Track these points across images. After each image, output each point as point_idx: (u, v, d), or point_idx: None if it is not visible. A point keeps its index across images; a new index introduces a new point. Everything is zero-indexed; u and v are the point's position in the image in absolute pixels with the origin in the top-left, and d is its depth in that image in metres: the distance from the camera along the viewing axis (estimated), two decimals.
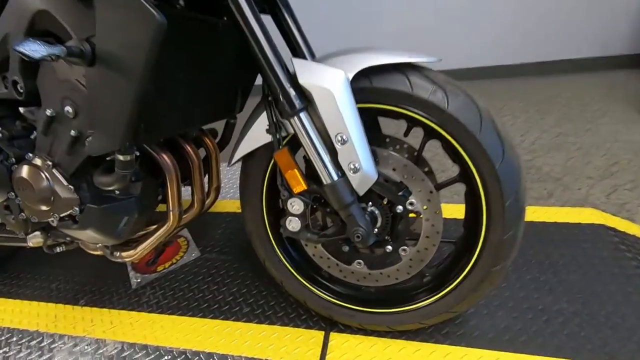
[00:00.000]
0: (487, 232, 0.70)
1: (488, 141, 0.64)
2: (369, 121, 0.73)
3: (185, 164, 0.92)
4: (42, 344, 0.99)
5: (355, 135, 0.63)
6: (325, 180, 0.66)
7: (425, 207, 0.71)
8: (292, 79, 0.64)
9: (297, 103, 0.63)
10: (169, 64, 0.65)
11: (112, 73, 0.57)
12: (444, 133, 0.66)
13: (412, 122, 0.69)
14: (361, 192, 0.67)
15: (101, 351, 0.94)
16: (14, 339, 1.01)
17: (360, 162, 0.64)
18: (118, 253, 0.92)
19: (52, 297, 1.13)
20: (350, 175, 0.66)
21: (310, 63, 0.64)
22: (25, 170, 0.73)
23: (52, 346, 0.98)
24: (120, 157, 0.65)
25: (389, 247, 0.76)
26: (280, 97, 0.64)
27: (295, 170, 0.68)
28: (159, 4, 0.55)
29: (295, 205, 0.72)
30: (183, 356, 0.90)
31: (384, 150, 0.71)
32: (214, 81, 0.80)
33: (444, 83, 0.66)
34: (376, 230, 0.76)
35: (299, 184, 0.69)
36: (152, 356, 0.91)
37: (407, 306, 0.81)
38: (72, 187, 0.74)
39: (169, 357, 0.90)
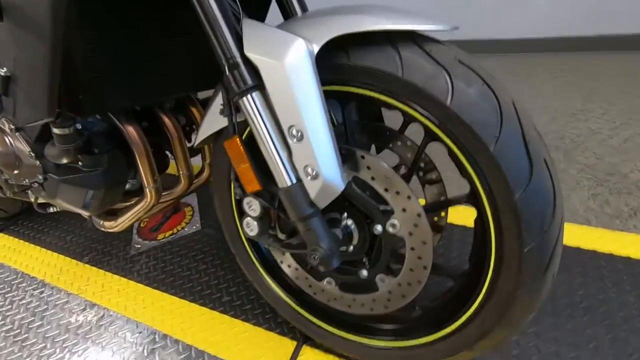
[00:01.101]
0: (493, 281, 0.50)
1: (508, 156, 0.43)
2: (366, 106, 0.56)
3: (166, 136, 0.83)
4: (42, 295, 1.04)
5: (314, 131, 0.47)
6: (280, 182, 0.52)
7: (410, 232, 0.53)
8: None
9: (246, 80, 0.48)
10: (104, 22, 0.53)
11: (22, 30, 0.47)
12: (444, 137, 0.46)
13: (406, 116, 0.50)
14: (321, 205, 0.51)
15: (85, 313, 0.96)
16: (23, 284, 1.08)
17: (318, 167, 0.48)
18: (100, 222, 0.89)
19: (63, 249, 1.19)
20: (306, 181, 0.50)
21: (264, 27, 0.47)
22: None
23: (49, 299, 1.02)
24: (56, 131, 0.58)
25: (364, 273, 0.60)
26: (226, 70, 0.49)
27: (249, 166, 0.54)
28: None
29: (252, 206, 0.59)
30: (152, 337, 0.87)
31: (363, 152, 0.53)
32: (184, 45, 0.67)
33: (452, 63, 0.45)
34: (352, 248, 0.60)
35: (253, 183, 0.55)
36: (125, 329, 0.90)
37: (388, 340, 0.66)
38: (34, 154, 0.70)
39: (139, 333, 0.88)
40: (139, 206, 0.85)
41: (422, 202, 0.64)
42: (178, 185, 0.91)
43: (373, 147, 0.70)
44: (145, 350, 0.84)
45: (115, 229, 0.90)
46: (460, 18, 2.31)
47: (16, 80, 0.54)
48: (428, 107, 0.46)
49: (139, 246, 1.15)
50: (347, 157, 0.54)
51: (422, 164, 0.64)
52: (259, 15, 0.75)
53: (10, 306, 1.01)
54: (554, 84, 1.96)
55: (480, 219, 0.50)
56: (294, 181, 0.50)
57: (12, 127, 0.69)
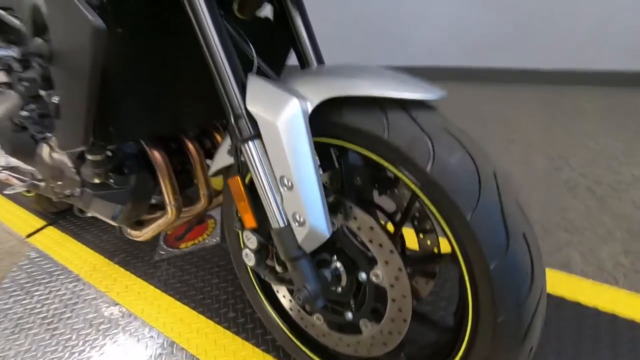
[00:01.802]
0: (470, 344, 0.50)
1: (484, 228, 0.44)
2: None
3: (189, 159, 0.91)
4: (75, 289, 1.15)
5: (302, 183, 0.50)
6: (272, 223, 0.56)
7: (391, 284, 0.54)
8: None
9: (246, 130, 0.53)
10: (133, 64, 0.61)
11: (66, 73, 0.56)
12: (425, 200, 0.48)
13: (393, 174, 0.52)
14: (307, 249, 0.54)
15: (108, 311, 1.06)
16: (61, 276, 1.21)
17: (305, 215, 0.51)
18: (128, 230, 0.99)
19: (98, 247, 1.31)
20: (294, 226, 0.53)
21: (265, 84, 0.52)
22: (41, 148, 0.82)
23: (81, 293, 1.13)
24: (89, 157, 0.66)
25: (349, 315, 0.62)
26: (231, 119, 0.54)
27: (247, 204, 0.59)
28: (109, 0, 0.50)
29: (250, 239, 0.63)
30: (161, 342, 0.94)
31: (351, 203, 0.55)
32: (200, 81, 0.73)
33: (435, 130, 0.46)
34: (340, 289, 0.62)
35: (250, 220, 0.59)
36: (139, 331, 0.98)
37: None
38: (74, 170, 0.79)
39: (151, 337, 0.95)
40: (161, 220, 0.93)
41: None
42: (198, 203, 0.98)
43: (376, 192, 0.72)
44: (153, 355, 0.91)
45: (140, 238, 0.98)
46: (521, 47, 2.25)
47: (61, 110, 0.63)
48: (410, 171, 0.47)
49: (163, 253, 1.24)
50: (337, 206, 0.57)
51: (416, 213, 0.65)
52: (279, 59, 0.81)
53: (48, 295, 1.14)
54: (600, 121, 1.85)
55: (462, 279, 0.51)
56: (284, 224, 0.54)
57: None
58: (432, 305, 0.93)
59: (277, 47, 0.78)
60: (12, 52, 0.53)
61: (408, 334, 0.56)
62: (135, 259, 1.24)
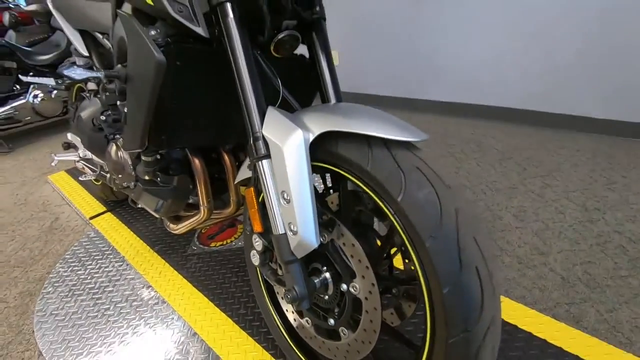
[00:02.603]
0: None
1: (440, 255, 0.50)
2: None
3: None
4: (120, 268, 1.34)
5: (298, 198, 0.61)
6: (273, 230, 0.66)
7: (366, 297, 0.62)
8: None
9: (260, 150, 0.65)
10: (182, 87, 0.76)
11: (134, 92, 0.72)
12: (397, 226, 0.55)
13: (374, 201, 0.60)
14: (298, 255, 0.64)
15: (142, 291, 1.22)
16: (111, 256, 1.41)
17: (298, 226, 0.61)
18: (167, 223, 1.15)
19: (143, 235, 1.50)
20: (289, 235, 0.63)
21: (279, 115, 0.64)
22: (111, 146, 1.01)
23: (123, 272, 1.32)
24: (143, 157, 0.82)
25: (331, 321, 0.70)
26: (251, 140, 0.66)
27: (256, 211, 0.70)
28: (173, 41, 0.66)
29: (257, 242, 0.74)
30: (186, 331, 1.06)
31: (340, 222, 0.64)
32: (234, 106, 0.87)
33: (410, 168, 0.54)
34: (327, 297, 0.70)
35: (257, 225, 0.71)
36: (168, 316, 1.11)
37: None
38: (131, 167, 0.97)
39: (177, 324, 1.09)
40: (194, 218, 1.08)
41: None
42: (227, 208, 1.12)
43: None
44: (177, 342, 1.03)
45: (177, 231, 1.14)
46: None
47: (128, 118, 0.81)
48: (386, 199, 0.56)
49: (195, 248, 1.40)
50: (329, 223, 0.66)
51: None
52: (310, 92, 0.93)
53: (97, 270, 1.34)
54: None
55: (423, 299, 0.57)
56: (281, 232, 0.64)
57: None
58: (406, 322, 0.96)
59: (308, 81, 0.90)
60: (100, 74, 0.71)
61: (384, 347, 0.63)
62: (172, 250, 1.41)
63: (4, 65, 2.89)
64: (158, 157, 0.90)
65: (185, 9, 0.64)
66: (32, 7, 2.59)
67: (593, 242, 1.34)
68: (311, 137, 0.60)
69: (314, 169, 0.66)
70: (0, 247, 1.66)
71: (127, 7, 0.78)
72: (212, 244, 1.42)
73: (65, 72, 0.76)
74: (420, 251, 0.52)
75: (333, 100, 0.81)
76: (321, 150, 0.63)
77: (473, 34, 2.24)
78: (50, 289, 1.28)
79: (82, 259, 1.41)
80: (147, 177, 0.91)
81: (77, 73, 0.76)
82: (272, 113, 0.65)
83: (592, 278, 1.18)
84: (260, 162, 0.65)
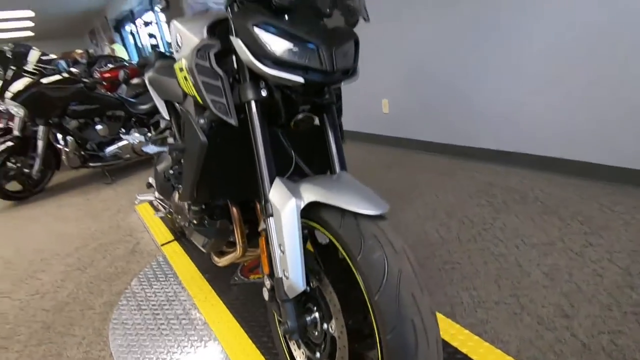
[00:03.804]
0: None
1: (384, 307, 0.63)
2: None
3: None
4: (176, 289, 1.62)
5: (290, 251, 0.78)
6: (275, 273, 0.84)
7: (338, 336, 0.75)
8: None
9: (268, 211, 0.84)
10: (223, 156, 1.00)
11: (187, 160, 0.99)
12: (358, 279, 0.70)
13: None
14: (290, 296, 0.81)
15: (189, 312, 1.47)
16: (172, 278, 1.71)
17: (289, 272, 0.78)
18: (213, 256, 1.40)
19: (198, 263, 1.79)
20: (284, 279, 0.81)
21: (282, 185, 0.83)
22: (174, 194, 1.30)
23: (179, 294, 1.59)
24: (193, 207, 1.08)
25: (317, 354, 0.84)
26: (262, 202, 0.87)
27: (265, 256, 0.89)
28: (215, 125, 0.92)
29: (267, 282, 0.93)
30: (218, 348, 1.27)
31: (322, 273, 0.80)
32: None
33: (369, 235, 0.69)
34: (316, 333, 0.85)
35: (266, 268, 0.90)
36: (207, 337, 1.34)
37: None
38: (186, 211, 1.25)
39: (214, 346, 1.30)
40: (232, 254, 1.31)
41: None
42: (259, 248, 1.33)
43: None
44: None
45: (220, 264, 1.38)
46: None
47: (183, 175, 1.08)
48: (350, 257, 0.71)
49: (237, 279, 1.63)
50: (316, 271, 0.82)
51: None
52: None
53: (160, 290, 1.63)
54: None
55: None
56: (279, 276, 0.82)
57: None
58: None
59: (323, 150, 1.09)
60: (165, 148, 0.99)
61: None
62: (218, 278, 1.66)
63: (115, 114, 3.62)
64: (203, 207, 1.16)
65: (223, 106, 0.89)
66: (137, 81, 3.29)
67: (628, 310, 1.26)
68: (302, 205, 0.79)
69: (307, 226, 0.83)
70: (95, 262, 2.08)
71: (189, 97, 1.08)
72: (251, 276, 1.63)
73: (144, 149, 1.07)
74: (372, 302, 0.66)
75: (338, 169, 0.99)
76: (312, 212, 0.81)
77: (525, 82, 2.27)
78: (124, 302, 1.60)
79: (150, 279, 1.73)
80: (195, 221, 1.17)
81: (150, 149, 1.07)
82: (278, 182, 0.85)
83: (619, 349, 1.12)
84: (267, 219, 0.85)
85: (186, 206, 1.26)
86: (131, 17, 8.43)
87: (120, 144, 3.55)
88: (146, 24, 7.82)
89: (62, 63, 3.42)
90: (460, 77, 2.53)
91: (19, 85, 3.00)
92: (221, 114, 0.89)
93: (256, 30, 0.79)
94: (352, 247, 0.70)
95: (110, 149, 3.51)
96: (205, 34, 0.93)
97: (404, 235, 1.86)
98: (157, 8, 6.73)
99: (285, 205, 0.79)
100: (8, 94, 3.02)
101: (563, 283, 1.40)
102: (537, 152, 2.34)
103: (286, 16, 0.85)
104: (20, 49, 3.24)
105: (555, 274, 1.46)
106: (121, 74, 4.04)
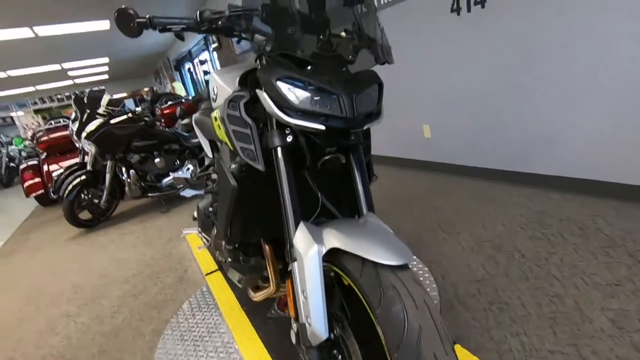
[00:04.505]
0: None
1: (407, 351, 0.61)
2: None
3: None
4: (217, 322, 1.67)
5: (313, 297, 0.78)
6: (299, 318, 0.84)
7: None
8: None
9: (293, 255, 0.86)
10: (253, 198, 1.04)
11: (220, 201, 1.05)
12: (379, 331, 0.68)
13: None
14: (313, 343, 0.80)
15: (227, 346, 1.50)
16: (213, 309, 1.77)
17: (311, 320, 0.78)
18: (249, 291, 1.44)
19: (239, 295, 1.83)
20: (306, 325, 0.80)
21: (305, 230, 0.84)
22: (214, 231, 1.37)
23: (218, 326, 1.64)
24: (225, 245, 1.12)
25: None
26: (288, 245, 0.88)
27: (291, 300, 0.90)
28: (245, 170, 0.96)
29: (293, 325, 0.93)
30: None
31: (345, 320, 0.78)
32: None
33: (388, 286, 0.67)
34: None
35: (292, 311, 0.90)
36: None
37: None
38: (223, 246, 1.30)
39: None
40: (266, 290, 1.33)
41: None
42: None
43: None
44: None
45: (255, 299, 1.41)
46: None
47: (217, 216, 1.14)
48: (370, 308, 0.69)
49: (274, 312, 1.65)
50: (339, 319, 0.81)
51: None
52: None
53: (201, 321, 1.70)
54: None
55: None
56: (302, 322, 0.82)
57: None
58: None
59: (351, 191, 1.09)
60: (201, 192, 1.07)
61: None
62: (256, 312, 1.69)
63: (171, 148, 3.94)
64: (237, 245, 1.20)
65: (251, 152, 0.94)
66: (186, 121, 3.58)
67: None
68: (323, 251, 0.79)
69: (329, 271, 0.83)
70: (147, 289, 2.23)
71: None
72: (286, 310, 1.64)
73: (182, 193, 1.16)
74: (392, 357, 0.63)
75: (365, 210, 0.98)
76: (335, 257, 0.80)
77: (579, 102, 2.11)
78: (169, 332, 1.68)
79: (194, 309, 1.81)
80: (229, 259, 1.22)
81: (187, 192, 1.15)
82: (302, 227, 0.86)
83: None
84: (292, 263, 0.86)
85: (222, 244, 1.32)
86: (189, 56, 9.26)
87: (175, 174, 3.83)
88: (201, 62, 8.53)
89: (128, 104, 3.84)
90: (506, 99, 2.42)
91: (92, 126, 3.40)
92: (249, 160, 0.93)
93: (279, 84, 0.84)
94: (372, 298, 0.68)
95: (167, 180, 3.80)
96: (236, 85, 1.00)
97: (446, 269, 1.77)
98: (211, 48, 7.34)
99: (307, 251, 0.80)
100: (83, 134, 3.43)
101: (634, 333, 1.23)
102: (598, 177, 2.12)
103: (309, 67, 0.89)
104: (95, 94, 3.69)
105: (623, 321, 1.29)
106: (178, 111, 4.41)
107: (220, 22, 1.00)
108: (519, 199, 2.34)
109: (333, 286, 0.88)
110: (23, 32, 5.74)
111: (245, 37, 1.02)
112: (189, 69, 10.13)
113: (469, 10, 2.41)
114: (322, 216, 1.04)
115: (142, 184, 3.68)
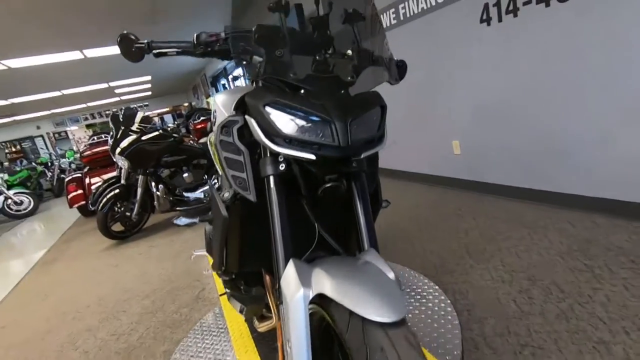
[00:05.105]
0: None
1: None
2: None
3: None
4: (225, 348, 1.61)
5: (297, 348, 0.70)
6: None
7: None
8: None
9: (279, 297, 0.78)
10: (249, 228, 0.98)
11: (214, 230, 1.00)
12: None
13: None
14: None
15: None
16: (223, 334, 1.72)
17: None
18: (254, 321, 1.37)
19: (249, 319, 1.77)
20: None
21: (293, 271, 0.76)
22: None
23: (226, 353, 1.58)
24: (222, 276, 1.07)
25: None
26: (276, 284, 0.81)
27: (280, 345, 0.82)
28: (237, 199, 0.91)
29: None
30: None
31: None
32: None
33: (376, 346, 0.57)
34: None
35: (280, 357, 0.82)
36: None
37: None
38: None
39: None
40: (269, 322, 1.26)
41: None
42: None
43: None
44: None
45: (260, 330, 1.33)
46: None
47: (212, 246, 1.09)
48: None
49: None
50: None
51: None
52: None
53: (210, 347, 1.65)
54: None
55: None
56: None
57: None
58: None
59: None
60: (196, 220, 1.02)
61: None
62: (264, 340, 1.61)
63: (199, 162, 4.03)
64: (233, 276, 1.14)
65: (243, 181, 0.88)
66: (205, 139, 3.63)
67: None
68: (310, 296, 0.71)
69: (320, 313, 0.74)
70: (165, 307, 2.23)
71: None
72: None
73: (175, 221, 1.13)
74: None
75: (366, 245, 0.89)
76: (324, 301, 0.71)
77: (637, 116, 1.88)
78: (177, 355, 1.64)
79: (204, 332, 1.77)
80: (228, 290, 1.16)
81: (181, 221, 1.12)
82: (290, 266, 0.78)
83: None
84: (279, 305, 0.78)
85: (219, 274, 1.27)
86: (224, 73, 9.61)
87: (203, 188, 3.90)
88: (235, 78, 8.81)
89: (167, 119, 3.99)
90: (544, 112, 2.21)
91: (125, 142, 3.56)
92: (240, 189, 0.88)
93: (267, 109, 0.78)
94: (357, 358, 0.59)
95: (195, 194, 3.87)
96: (231, 110, 0.96)
97: (472, 302, 1.60)
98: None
99: (293, 296, 0.72)
100: (118, 150, 3.59)
101: None
102: None
103: (302, 90, 0.82)
104: (130, 112, 3.86)
105: None
106: (209, 125, 4.53)
107: (217, 45, 0.97)
108: (559, 223, 2.11)
109: (324, 331, 0.79)
110: (74, 55, 6.22)
111: (243, 59, 0.98)
112: (224, 84, 10.50)
113: (500, 20, 2.25)
114: (321, 249, 0.96)
115: (171, 198, 3.77)
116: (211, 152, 1.05)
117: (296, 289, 0.72)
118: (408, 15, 2.95)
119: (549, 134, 2.22)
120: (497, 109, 2.50)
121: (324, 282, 0.70)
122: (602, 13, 1.80)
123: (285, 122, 0.77)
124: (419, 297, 1.66)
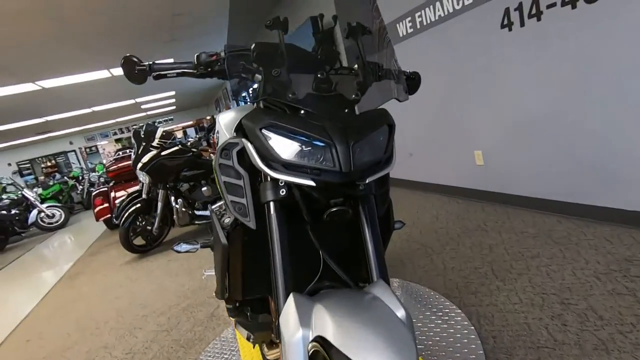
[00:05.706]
0: None
1: None
2: None
3: None
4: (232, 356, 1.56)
5: None
6: None
7: None
8: None
9: (279, 335, 0.72)
10: (252, 254, 0.93)
11: (215, 257, 0.95)
12: None
13: None
14: None
15: None
16: (234, 358, 1.66)
17: None
18: (264, 348, 1.31)
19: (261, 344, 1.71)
20: None
21: (293, 307, 0.69)
22: None
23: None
24: (227, 304, 1.02)
25: None
26: (275, 320, 0.75)
27: None
28: (238, 224, 0.86)
29: None
30: None
31: None
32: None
33: None
34: None
35: None
36: None
37: None
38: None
39: None
40: (277, 350, 1.20)
41: None
42: None
43: None
44: None
45: (269, 358, 1.28)
46: None
47: (215, 270, 1.04)
48: None
49: None
50: None
51: None
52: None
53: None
54: None
55: None
56: None
57: None
58: None
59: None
60: (197, 246, 0.99)
61: None
62: None
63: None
64: (237, 304, 1.09)
65: (242, 207, 0.84)
66: None
67: None
68: (310, 337, 0.64)
69: (318, 352, 0.67)
70: (180, 325, 2.21)
71: None
72: None
73: (175, 248, 1.10)
74: None
75: (375, 276, 0.82)
76: (324, 341, 0.65)
77: None
78: None
79: (216, 355, 1.73)
80: (233, 317, 1.11)
81: (181, 247, 1.08)
82: (290, 302, 0.72)
83: None
84: (280, 344, 0.72)
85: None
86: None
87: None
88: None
89: (190, 132, 4.05)
90: (573, 119, 2.07)
91: (145, 158, 3.63)
92: (239, 215, 0.83)
93: (264, 132, 0.73)
94: None
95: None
96: (232, 132, 0.92)
97: (498, 328, 1.48)
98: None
99: (292, 337, 0.66)
100: (139, 165, 3.67)
101: None
102: None
103: (302, 111, 0.77)
104: (151, 128, 3.96)
105: None
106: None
107: (217, 65, 0.94)
108: (595, 240, 1.94)
109: None
110: (102, 74, 6.49)
111: (245, 78, 0.95)
112: (244, 96, 10.68)
113: (522, 24, 2.14)
114: (327, 279, 0.89)
115: (190, 211, 3.80)
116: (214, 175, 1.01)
117: (295, 329, 0.66)
118: (425, 24, 2.87)
119: (580, 141, 2.07)
120: (523, 117, 2.36)
121: (326, 323, 0.64)
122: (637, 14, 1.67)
123: (283, 146, 0.72)
124: (439, 321, 1.55)
